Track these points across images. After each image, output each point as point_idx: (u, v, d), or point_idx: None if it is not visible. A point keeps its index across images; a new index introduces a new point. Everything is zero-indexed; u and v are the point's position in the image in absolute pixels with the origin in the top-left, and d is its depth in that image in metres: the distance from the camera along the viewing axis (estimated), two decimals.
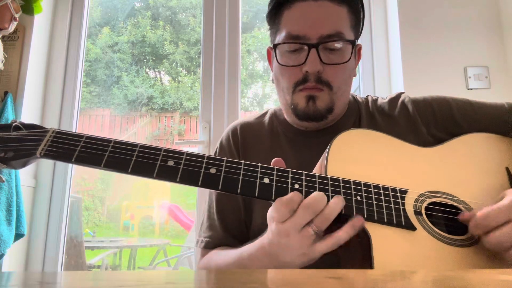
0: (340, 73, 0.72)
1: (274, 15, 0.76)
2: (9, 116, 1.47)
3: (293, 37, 0.71)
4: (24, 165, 0.55)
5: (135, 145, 0.55)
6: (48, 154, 0.53)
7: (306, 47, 0.70)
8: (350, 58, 0.72)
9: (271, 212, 0.54)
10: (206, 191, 0.85)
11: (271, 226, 0.54)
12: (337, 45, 0.71)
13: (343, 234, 0.51)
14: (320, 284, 0.31)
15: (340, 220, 0.55)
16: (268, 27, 0.81)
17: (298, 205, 0.52)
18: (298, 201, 0.53)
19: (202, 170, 0.54)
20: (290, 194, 0.53)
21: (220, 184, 0.53)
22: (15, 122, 0.56)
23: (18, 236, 1.42)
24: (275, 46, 0.74)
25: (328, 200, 0.53)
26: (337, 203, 0.53)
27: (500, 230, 0.51)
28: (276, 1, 0.75)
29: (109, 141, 0.55)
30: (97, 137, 0.56)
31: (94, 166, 0.53)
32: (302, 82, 0.71)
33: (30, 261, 1.55)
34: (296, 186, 0.54)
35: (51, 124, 1.65)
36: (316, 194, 0.53)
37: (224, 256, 0.71)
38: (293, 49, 0.72)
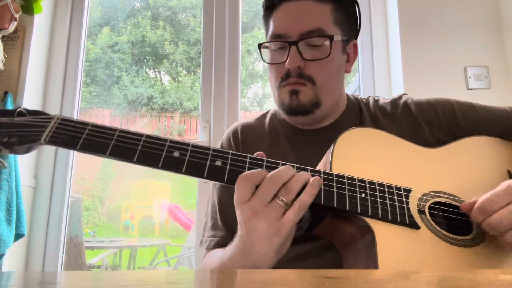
0: (324, 69, 0.74)
1: (266, 17, 0.80)
2: None
3: (276, 36, 0.75)
4: (27, 150, 0.55)
5: (141, 135, 0.55)
6: (52, 141, 0.53)
7: (287, 45, 0.73)
8: (330, 53, 0.73)
9: (235, 195, 0.53)
10: (206, 192, 0.86)
11: (237, 214, 0.54)
12: (325, 42, 0.73)
13: (305, 196, 0.51)
14: (320, 284, 0.31)
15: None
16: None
17: (261, 179, 0.52)
18: (260, 175, 0.52)
19: (208, 162, 0.54)
20: (251, 171, 0.53)
21: (226, 176, 0.53)
22: (19, 107, 0.56)
23: (18, 236, 1.42)
24: (259, 46, 0.78)
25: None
26: (302, 175, 0.53)
27: (498, 212, 0.52)
28: (266, 4, 0.79)
29: (114, 129, 0.55)
30: (102, 126, 0.55)
31: (99, 154, 0.53)
32: (285, 78, 0.74)
33: (30, 261, 1.55)
34: None
35: None
36: (283, 167, 0.53)
37: (214, 258, 0.71)
38: (277, 48, 0.75)
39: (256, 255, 0.53)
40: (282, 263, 0.61)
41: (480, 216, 0.53)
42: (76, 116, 1.72)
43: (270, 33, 0.76)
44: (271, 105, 5.82)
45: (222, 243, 0.77)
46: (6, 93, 1.53)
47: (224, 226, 0.79)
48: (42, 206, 1.59)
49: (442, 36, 1.54)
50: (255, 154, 0.58)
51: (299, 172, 0.54)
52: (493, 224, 0.52)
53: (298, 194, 0.52)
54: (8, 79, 1.57)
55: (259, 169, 0.53)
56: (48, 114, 0.56)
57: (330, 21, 0.74)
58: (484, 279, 0.34)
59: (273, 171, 0.52)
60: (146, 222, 5.53)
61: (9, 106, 1.49)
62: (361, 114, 0.81)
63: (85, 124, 0.55)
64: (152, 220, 5.58)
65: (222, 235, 0.79)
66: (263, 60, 0.78)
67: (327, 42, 0.73)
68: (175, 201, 5.52)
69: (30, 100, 1.59)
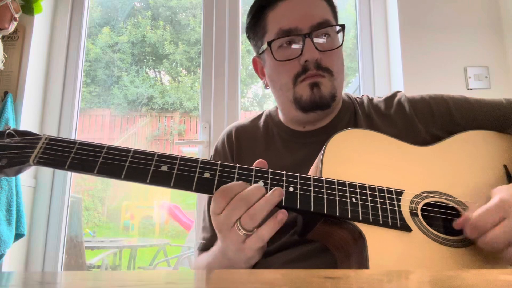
0: (337, 59, 0.75)
1: (257, 22, 0.77)
2: (9, 116, 1.47)
3: (285, 31, 0.72)
4: (17, 173, 0.55)
5: (128, 151, 0.55)
6: (41, 162, 0.53)
7: (300, 38, 0.71)
8: (343, 41, 0.75)
9: (211, 205, 0.54)
10: None
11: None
12: (334, 32, 0.74)
13: (265, 228, 0.50)
14: (319, 284, 0.31)
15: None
16: (250, 39, 0.82)
17: (235, 195, 0.51)
18: (236, 191, 0.51)
19: (196, 175, 0.53)
20: (231, 183, 0.52)
21: (214, 188, 0.53)
22: (8, 129, 0.56)
23: (18, 236, 1.42)
24: (269, 43, 0.74)
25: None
26: (269, 201, 0.51)
27: (493, 230, 0.51)
28: (257, 6, 0.77)
29: (102, 147, 0.55)
30: (90, 143, 0.55)
31: (88, 173, 0.53)
32: (303, 72, 0.72)
33: (30, 261, 1.55)
34: (291, 189, 0.54)
35: (51, 124, 1.65)
36: (254, 186, 0.52)
37: (203, 258, 0.72)
38: (287, 44, 0.73)
39: (230, 257, 0.55)
40: (279, 266, 0.61)
41: (474, 234, 0.53)
42: (76, 116, 1.72)
43: (275, 30, 0.73)
44: (271, 105, 5.79)
45: (208, 245, 0.78)
46: (6, 93, 1.53)
47: (212, 228, 0.79)
48: (42, 206, 1.59)
49: (442, 36, 1.54)
50: (255, 163, 0.57)
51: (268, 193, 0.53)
52: (488, 243, 0.51)
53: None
54: (8, 79, 1.57)
55: (239, 183, 0.53)
56: (37, 134, 0.56)
57: (331, 15, 0.76)
58: (481, 279, 0.34)
59: (242, 192, 0.51)
60: (146, 222, 5.53)
61: (9, 106, 1.49)
62: (356, 114, 0.80)
63: (73, 143, 0.55)
64: (152, 220, 5.57)
65: (208, 237, 0.79)
66: (274, 59, 0.74)
67: (333, 33, 0.74)
68: (175, 201, 5.52)
69: (30, 100, 1.59)
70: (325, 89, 0.72)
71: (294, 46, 0.73)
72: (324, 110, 0.75)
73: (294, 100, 0.74)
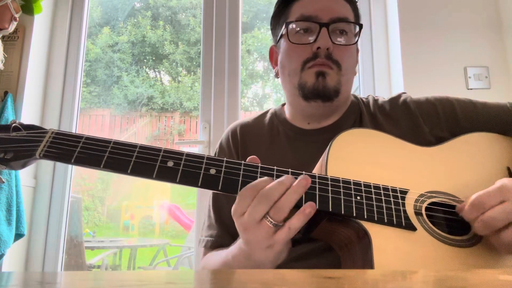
0: (349, 56, 0.76)
1: (281, 10, 0.80)
2: (9, 116, 1.47)
3: (306, 17, 0.75)
4: (23, 166, 0.55)
5: (134, 146, 0.55)
6: (47, 155, 0.53)
7: (317, 27, 0.73)
8: (357, 40, 0.77)
9: (233, 206, 0.53)
10: (206, 192, 0.86)
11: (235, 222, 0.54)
12: (351, 31, 0.76)
13: (295, 219, 0.50)
14: (319, 284, 0.31)
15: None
16: (271, 26, 0.85)
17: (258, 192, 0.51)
18: (260, 187, 0.51)
19: (202, 171, 0.54)
20: (254, 182, 0.52)
21: (220, 184, 0.53)
22: (15, 122, 0.56)
23: (18, 236, 1.42)
24: (287, 24, 0.77)
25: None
26: (296, 191, 0.51)
27: (493, 209, 0.51)
28: None
29: (108, 141, 0.55)
30: (96, 138, 0.55)
31: (94, 167, 0.53)
32: (312, 58, 0.74)
33: (30, 261, 1.55)
34: None
35: (51, 124, 1.65)
36: (276, 182, 0.52)
37: (217, 257, 0.72)
38: (304, 29, 0.76)
39: (255, 259, 0.54)
40: (282, 264, 0.61)
41: (473, 214, 0.53)
42: (76, 116, 1.72)
43: (297, 15, 0.76)
44: (271, 105, 5.78)
45: (219, 243, 0.78)
46: (6, 93, 1.53)
47: (220, 226, 0.79)
48: (42, 206, 1.59)
49: (442, 36, 1.54)
50: (248, 159, 0.57)
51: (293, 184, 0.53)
52: (486, 221, 0.51)
53: (297, 205, 0.52)
54: (8, 79, 1.57)
55: (264, 179, 0.52)
56: (43, 128, 0.57)
57: (352, 16, 0.78)
58: (483, 279, 0.34)
59: (265, 188, 0.51)
60: (146, 222, 5.53)
61: (9, 106, 1.49)
62: (361, 114, 0.81)
63: (79, 137, 0.55)
64: (152, 220, 5.58)
65: (218, 235, 0.79)
66: (289, 40, 0.76)
67: (350, 32, 0.76)
68: (175, 201, 5.52)
69: (30, 100, 1.59)
70: (330, 81, 0.73)
71: (310, 33, 0.75)
72: (325, 102, 0.75)
73: (299, 86, 0.75)
